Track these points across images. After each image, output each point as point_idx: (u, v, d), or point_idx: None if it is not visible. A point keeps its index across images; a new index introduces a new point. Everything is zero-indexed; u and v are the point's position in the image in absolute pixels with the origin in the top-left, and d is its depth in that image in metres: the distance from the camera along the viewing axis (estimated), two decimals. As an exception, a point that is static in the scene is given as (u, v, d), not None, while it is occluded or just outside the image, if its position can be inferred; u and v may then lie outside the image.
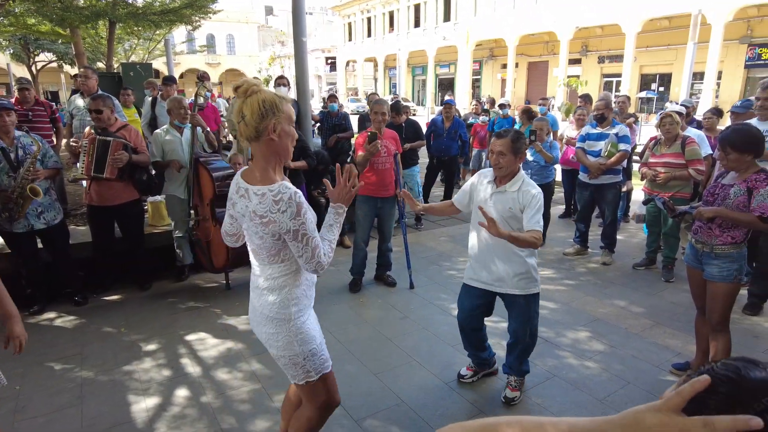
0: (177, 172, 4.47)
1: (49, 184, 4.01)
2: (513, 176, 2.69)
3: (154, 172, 5.79)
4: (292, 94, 6.83)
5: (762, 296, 4.14)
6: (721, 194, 2.89)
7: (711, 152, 4.85)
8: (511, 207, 2.63)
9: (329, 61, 50.07)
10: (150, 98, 7.03)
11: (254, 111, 1.71)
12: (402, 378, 3.15)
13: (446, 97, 7.62)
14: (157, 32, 19.31)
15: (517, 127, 6.93)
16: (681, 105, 6.28)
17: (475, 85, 35.11)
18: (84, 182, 4.58)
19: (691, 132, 4.95)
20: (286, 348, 1.88)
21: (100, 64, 19.06)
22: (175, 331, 3.77)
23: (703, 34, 17.78)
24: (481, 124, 8.59)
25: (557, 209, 7.25)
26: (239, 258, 4.32)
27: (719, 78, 21.73)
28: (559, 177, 7.21)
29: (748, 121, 3.66)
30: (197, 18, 15.18)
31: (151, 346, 3.54)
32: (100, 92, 4.96)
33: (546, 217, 5.92)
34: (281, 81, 6.83)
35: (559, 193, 7.60)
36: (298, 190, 1.79)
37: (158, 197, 5.21)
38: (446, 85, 37.23)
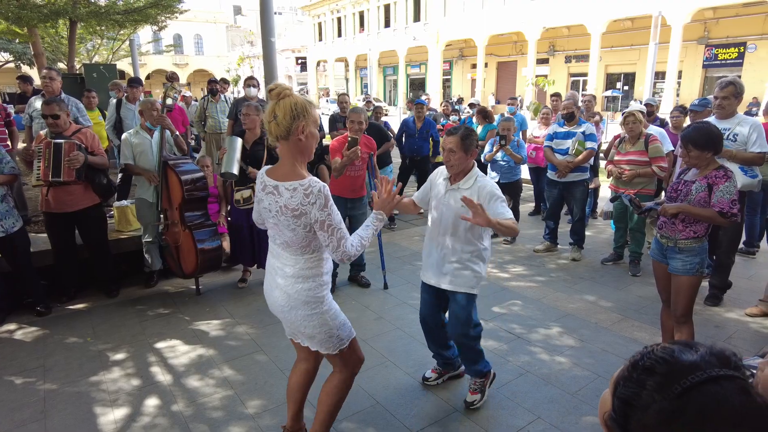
0: (150, 185, 4.36)
1: (6, 191, 3.85)
2: (466, 173, 2.65)
3: (121, 175, 5.65)
4: (262, 94, 6.76)
5: (722, 288, 4.30)
6: (684, 190, 2.99)
7: (672, 149, 5.01)
8: (464, 205, 2.54)
9: (300, 61, 49.68)
10: (115, 100, 6.85)
11: (287, 113, 1.91)
12: (377, 379, 3.14)
13: (423, 97, 7.66)
14: (122, 32, 18.76)
15: (476, 126, 7.02)
16: (645, 104, 6.46)
17: (446, 85, 35.39)
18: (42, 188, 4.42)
19: (654, 130, 5.09)
20: (323, 325, 2.11)
21: (62, 65, 18.42)
22: (144, 339, 3.67)
23: (663, 35, 18.39)
24: (452, 124, 8.65)
25: (527, 207, 7.36)
26: (209, 263, 4.25)
27: (680, 77, 22.48)
28: (527, 175, 7.35)
29: (707, 119, 3.79)
30: (163, 18, 14.83)
31: (119, 355, 3.44)
32: (56, 95, 4.80)
33: (516, 214, 6.01)
34: (251, 82, 6.74)
35: (528, 191, 7.74)
36: (325, 184, 1.96)
37: (124, 202, 5.08)
38: (417, 85, 37.44)
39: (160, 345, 3.60)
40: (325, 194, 1.92)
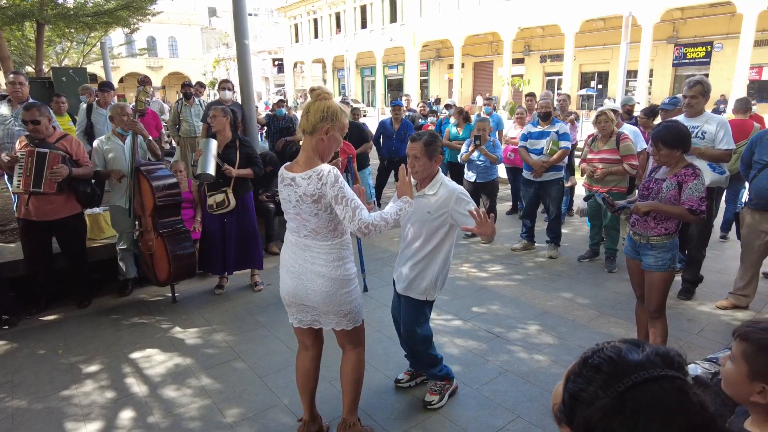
0: (118, 183, 4.27)
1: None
2: (431, 179, 2.62)
3: (94, 182, 5.51)
4: (237, 97, 6.67)
5: (694, 282, 4.40)
6: (655, 188, 3.05)
7: (646, 147, 5.11)
8: (429, 211, 2.56)
9: (276, 62, 49.30)
10: (85, 105, 6.69)
11: (318, 111, 2.12)
12: (357, 383, 3.12)
13: (403, 98, 7.67)
14: (92, 35, 18.35)
15: (452, 127, 7.06)
16: (622, 104, 6.58)
17: (424, 85, 35.53)
18: (16, 196, 4.28)
19: (626, 128, 5.20)
20: (356, 299, 2.34)
21: (30, 69, 17.91)
22: (119, 350, 3.59)
23: (635, 34, 18.79)
24: (429, 125, 8.69)
25: (504, 206, 7.43)
26: (183, 270, 4.18)
27: (651, 75, 22.98)
28: (504, 174, 7.42)
29: (676, 118, 3.87)
30: (135, 20, 14.55)
31: (93, 368, 3.35)
32: (31, 100, 4.65)
33: (492, 213, 6.06)
34: (225, 85, 6.66)
35: (505, 190, 7.81)
36: (334, 167, 2.15)
37: (96, 209, 4.95)
38: (395, 86, 37.50)
39: (135, 355, 3.52)
40: (334, 173, 2.11)
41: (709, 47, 22.08)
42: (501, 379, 3.13)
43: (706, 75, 19.72)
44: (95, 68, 25.42)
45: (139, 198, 4.20)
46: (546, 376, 3.15)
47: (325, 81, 43.96)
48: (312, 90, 2.18)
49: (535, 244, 5.73)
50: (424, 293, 2.68)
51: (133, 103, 4.45)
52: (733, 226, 4.95)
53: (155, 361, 3.44)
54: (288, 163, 2.28)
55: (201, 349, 3.61)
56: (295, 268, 2.30)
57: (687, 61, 22.87)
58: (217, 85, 6.96)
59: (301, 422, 2.59)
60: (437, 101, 21.45)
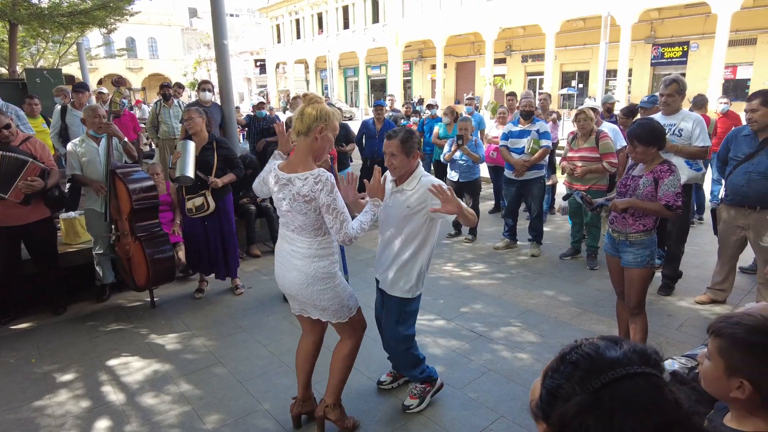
0: (97, 196, 4.17)
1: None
2: (410, 175, 2.60)
3: (68, 186, 5.38)
4: (217, 98, 6.59)
5: (673, 277, 4.46)
6: (632, 185, 3.08)
7: (626, 145, 5.16)
8: (408, 206, 2.55)
9: (258, 63, 48.93)
10: (60, 107, 6.54)
11: (311, 113, 2.26)
12: (340, 386, 3.08)
13: (387, 98, 7.64)
14: (68, 35, 17.98)
15: (442, 126, 7.07)
16: (603, 102, 6.65)
17: (407, 86, 35.56)
18: None
19: (606, 126, 5.25)
20: (335, 297, 2.40)
21: (2, 69, 17.49)
22: (95, 357, 3.50)
23: (614, 34, 19.04)
24: (411, 125, 8.68)
25: (487, 205, 7.46)
26: (161, 274, 4.11)
27: (630, 75, 23.32)
28: (487, 174, 7.45)
29: (651, 116, 3.91)
30: (112, 20, 14.31)
31: (67, 376, 3.26)
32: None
33: (476, 212, 6.07)
34: (205, 86, 6.57)
35: (488, 189, 7.84)
36: (331, 174, 2.26)
37: (72, 213, 4.84)
38: (378, 86, 37.47)
39: (112, 362, 3.44)
40: (331, 182, 2.23)
41: (685, 47, 22.48)
42: (484, 379, 3.13)
43: (683, 74, 20.08)
44: (72, 69, 24.88)
45: (115, 201, 4.11)
46: (529, 375, 3.16)
47: (307, 82, 43.76)
48: (305, 95, 2.34)
49: (518, 243, 5.76)
50: (410, 290, 2.66)
51: (107, 105, 4.35)
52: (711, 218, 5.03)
53: (133, 367, 3.36)
54: (280, 161, 2.42)
55: (180, 354, 3.54)
56: (280, 259, 2.47)
57: (665, 60, 23.25)
58: (197, 86, 6.85)
59: (294, 400, 2.72)
60: (420, 101, 21.49)
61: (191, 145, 4.06)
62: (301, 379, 2.68)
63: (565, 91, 25.98)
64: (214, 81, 6.18)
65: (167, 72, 46.28)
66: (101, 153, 4.20)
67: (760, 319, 1.17)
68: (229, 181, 4.30)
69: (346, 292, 2.46)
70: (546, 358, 3.35)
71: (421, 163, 2.66)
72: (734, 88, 19.58)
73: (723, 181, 4.08)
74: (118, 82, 4.99)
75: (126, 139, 4.46)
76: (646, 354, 0.80)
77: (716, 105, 7.08)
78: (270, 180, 2.40)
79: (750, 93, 3.86)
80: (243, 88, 48.36)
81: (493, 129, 6.83)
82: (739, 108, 6.57)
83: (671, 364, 1.67)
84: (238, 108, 8.03)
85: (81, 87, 6.56)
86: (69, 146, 4.26)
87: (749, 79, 20.47)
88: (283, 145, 2.66)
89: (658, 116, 4.12)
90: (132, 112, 8.71)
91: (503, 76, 28.02)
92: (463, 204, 2.48)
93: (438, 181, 2.55)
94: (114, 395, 3.05)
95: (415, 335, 2.83)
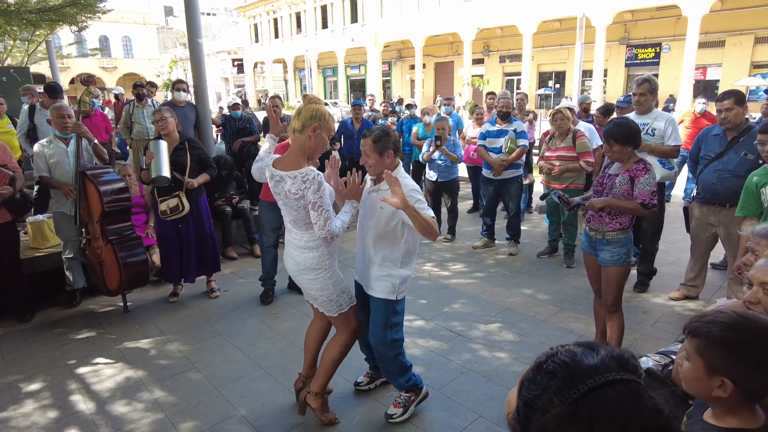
0: (67, 200, 4.03)
1: None
2: None
3: (37, 188, 5.21)
4: (191, 97, 6.47)
5: (648, 274, 4.52)
6: (609, 184, 3.10)
7: (602, 144, 5.22)
8: (381, 206, 2.49)
9: (236, 63, 48.37)
10: (27, 106, 6.33)
11: (308, 111, 2.37)
12: (318, 389, 3.04)
13: (367, 98, 7.60)
14: (37, 33, 17.46)
15: (420, 127, 7.07)
16: (579, 102, 6.73)
17: (386, 86, 35.60)
18: None
19: (582, 126, 5.30)
20: (324, 289, 2.51)
21: (-32, 69, 16.89)
22: (64, 365, 3.38)
23: (589, 35, 19.37)
24: (390, 125, 8.66)
25: (465, 204, 7.48)
26: (134, 278, 4.00)
27: (605, 75, 23.75)
28: (466, 173, 7.48)
29: (627, 115, 3.96)
30: (83, 18, 13.93)
31: (34, 386, 3.14)
32: None
33: (454, 211, 6.09)
34: (179, 85, 6.44)
35: (466, 188, 7.87)
36: (320, 173, 2.36)
37: (39, 216, 4.69)
38: (358, 86, 37.41)
39: (82, 370, 3.32)
40: (318, 180, 2.31)
41: (658, 48, 23.01)
42: (463, 379, 3.12)
43: (656, 75, 20.53)
44: (42, 68, 24.20)
45: (86, 204, 3.99)
46: (507, 374, 3.16)
47: (286, 81, 43.45)
48: (305, 96, 2.48)
49: (496, 242, 5.79)
50: (392, 291, 2.59)
51: (76, 105, 4.21)
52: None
53: (104, 375, 3.26)
54: (276, 156, 2.53)
55: (154, 360, 3.45)
56: (287, 246, 2.62)
57: (638, 61, 23.76)
58: (171, 86, 6.71)
59: (299, 375, 2.87)
60: (400, 101, 21.52)
61: (164, 145, 3.96)
62: (307, 359, 2.84)
63: (542, 91, 26.35)
64: (191, 81, 6.06)
65: (143, 72, 45.34)
66: (70, 154, 4.07)
67: (733, 315, 1.17)
68: (204, 182, 4.21)
69: (337, 287, 2.53)
70: (525, 357, 3.38)
71: (401, 164, 2.61)
72: (704, 89, 20.09)
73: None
74: (87, 80, 4.83)
75: (96, 141, 4.34)
76: (624, 359, 0.78)
77: (693, 104, 7.26)
78: (266, 174, 2.52)
79: (719, 93, 3.94)
80: (221, 87, 47.76)
81: (471, 129, 6.86)
82: (710, 109, 6.73)
83: (645, 362, 1.68)
84: (221, 108, 7.90)
85: (52, 91, 6.27)
86: (36, 147, 4.11)
87: (718, 80, 21.06)
88: (273, 127, 2.82)
89: (632, 116, 4.18)
90: (104, 112, 8.52)
91: (481, 76, 28.27)
92: (423, 213, 2.34)
93: (414, 185, 2.51)
94: (83, 404, 2.95)
95: (403, 340, 2.74)
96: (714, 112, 5.21)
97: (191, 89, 6.46)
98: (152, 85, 8.00)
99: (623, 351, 0.80)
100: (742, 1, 19.56)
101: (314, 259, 2.48)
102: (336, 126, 2.49)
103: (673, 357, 1.68)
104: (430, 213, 2.40)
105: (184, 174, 4.08)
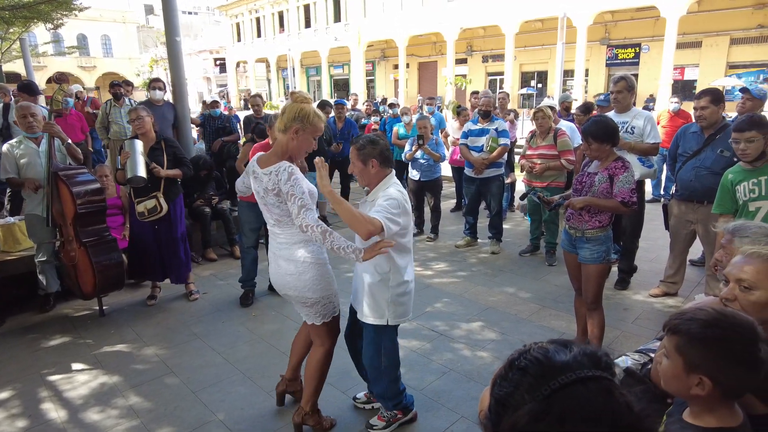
0: (33, 192, 3.92)
1: None
2: (376, 185, 2.41)
3: (9, 191, 5.07)
4: (168, 96, 6.35)
5: (629, 272, 4.56)
6: (588, 182, 3.11)
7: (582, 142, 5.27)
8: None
9: (218, 62, 47.84)
10: (1, 105, 6.16)
11: (291, 111, 2.27)
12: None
13: (351, 97, 7.55)
14: (11, 30, 17.04)
15: (402, 126, 7.05)
16: (560, 101, 6.76)
17: (370, 85, 35.52)
18: None
19: (563, 125, 5.33)
20: (327, 288, 2.43)
21: (-61, 68, 16.42)
22: (35, 372, 3.28)
23: (570, 35, 19.56)
24: (373, 124, 8.63)
25: (448, 203, 7.48)
26: (109, 281, 3.91)
27: (587, 75, 24.01)
28: (449, 173, 7.48)
29: (605, 114, 3.99)
30: (59, 15, 13.63)
31: (3, 394, 3.04)
32: None
33: (437, 211, 6.08)
34: (156, 84, 6.31)
35: (450, 188, 7.88)
36: (292, 165, 2.28)
37: (10, 219, 4.55)
38: (341, 86, 37.29)
39: (54, 377, 3.23)
40: (289, 171, 2.24)
41: (637, 49, 23.32)
42: (444, 379, 3.10)
43: (636, 75, 20.83)
44: (17, 66, 23.63)
45: (59, 205, 3.88)
46: (489, 374, 3.12)
47: (269, 81, 43.12)
48: (292, 93, 2.35)
49: (478, 240, 5.79)
50: (383, 316, 2.44)
51: (48, 104, 4.09)
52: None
53: (77, 381, 3.17)
54: (261, 153, 2.44)
55: (130, 365, 3.36)
56: (271, 257, 2.51)
57: (619, 61, 24.06)
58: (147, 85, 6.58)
59: (281, 378, 2.83)
60: (383, 101, 21.52)
61: (139, 144, 3.87)
62: (291, 361, 2.78)
63: (524, 90, 26.52)
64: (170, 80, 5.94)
65: (123, 71, 44.52)
66: (42, 155, 3.95)
67: (713, 312, 1.16)
68: (175, 175, 4.09)
69: (328, 288, 2.45)
70: (506, 356, 3.34)
71: (392, 174, 2.42)
72: (682, 89, 20.44)
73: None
74: (60, 78, 4.70)
75: (69, 141, 4.22)
76: (597, 357, 0.77)
77: (668, 104, 7.35)
78: (249, 171, 2.46)
79: (697, 92, 3.98)
80: (203, 87, 47.21)
81: (455, 130, 6.86)
82: (687, 108, 6.82)
83: (624, 361, 1.67)
84: (205, 102, 7.78)
85: (27, 89, 6.10)
86: (5, 147, 3.99)
87: (696, 80, 21.43)
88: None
89: (611, 114, 4.21)
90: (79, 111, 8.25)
91: (464, 76, 28.37)
92: (356, 211, 2.22)
93: (392, 195, 2.34)
94: (55, 412, 2.86)
95: (399, 365, 2.62)
96: (690, 111, 5.28)
97: (170, 88, 6.34)
98: (128, 83, 7.84)
99: (596, 348, 0.79)
100: (719, 3, 19.93)
101: (313, 253, 2.38)
102: (323, 126, 2.37)
103: (652, 355, 1.68)
104: (377, 217, 2.18)
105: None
